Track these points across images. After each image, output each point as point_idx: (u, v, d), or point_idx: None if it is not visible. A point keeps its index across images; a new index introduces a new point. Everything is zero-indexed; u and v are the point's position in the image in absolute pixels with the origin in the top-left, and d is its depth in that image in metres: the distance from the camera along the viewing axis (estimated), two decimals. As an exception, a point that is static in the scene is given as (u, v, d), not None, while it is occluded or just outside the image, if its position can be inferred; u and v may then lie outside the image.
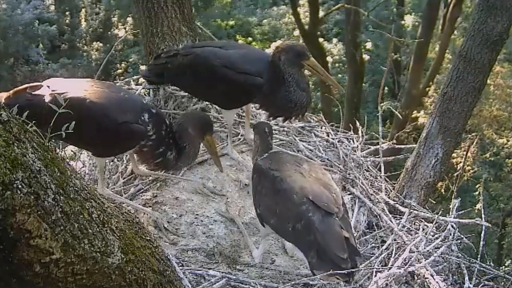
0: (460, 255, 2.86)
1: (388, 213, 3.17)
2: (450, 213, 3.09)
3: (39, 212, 1.42)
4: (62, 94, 2.49)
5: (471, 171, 7.97)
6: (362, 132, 3.88)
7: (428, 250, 2.74)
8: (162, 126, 2.79)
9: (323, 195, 2.38)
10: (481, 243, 2.89)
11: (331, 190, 2.46)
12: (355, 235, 2.63)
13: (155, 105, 2.97)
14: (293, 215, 2.37)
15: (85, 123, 2.39)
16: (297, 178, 2.46)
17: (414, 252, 2.68)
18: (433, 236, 2.90)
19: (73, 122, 1.96)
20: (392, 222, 3.05)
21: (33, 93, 2.67)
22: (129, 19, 14.37)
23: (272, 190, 2.50)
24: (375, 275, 2.44)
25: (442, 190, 5.61)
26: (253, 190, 2.70)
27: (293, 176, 2.47)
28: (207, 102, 3.74)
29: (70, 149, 3.75)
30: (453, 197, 3.36)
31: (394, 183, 3.61)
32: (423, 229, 3.02)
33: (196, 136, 2.85)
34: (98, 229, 1.66)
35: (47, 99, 2.57)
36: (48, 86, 2.69)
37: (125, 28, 14.50)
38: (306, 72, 3.15)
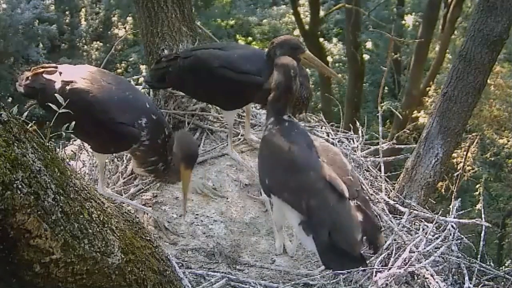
0: (460, 255, 2.86)
1: (388, 213, 3.17)
2: (450, 213, 3.09)
3: (39, 212, 1.42)
4: (69, 82, 2.68)
5: (471, 171, 7.95)
6: (362, 132, 3.88)
7: (428, 250, 2.73)
8: (160, 135, 2.70)
9: (337, 179, 2.33)
10: (481, 243, 2.88)
11: (346, 172, 2.42)
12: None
13: (158, 110, 2.85)
14: (309, 192, 2.33)
15: (84, 116, 2.47)
16: (311, 156, 2.41)
17: (414, 252, 2.68)
18: (433, 236, 2.90)
19: (73, 122, 2.02)
20: (392, 222, 3.05)
21: (47, 78, 2.78)
22: (129, 19, 14.36)
23: (285, 166, 2.44)
24: (375, 275, 2.44)
25: (442, 190, 5.60)
26: (259, 159, 2.64)
27: (308, 154, 2.41)
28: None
29: (70, 149, 3.76)
30: (453, 197, 3.35)
31: (394, 183, 3.60)
32: (423, 229, 3.02)
33: (178, 163, 2.69)
34: (98, 229, 1.66)
35: (57, 86, 2.70)
36: (61, 73, 2.79)
37: (125, 28, 14.49)
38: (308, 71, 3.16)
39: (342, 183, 2.34)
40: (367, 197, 2.41)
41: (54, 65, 2.92)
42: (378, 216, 3.14)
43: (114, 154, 3.48)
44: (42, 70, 2.85)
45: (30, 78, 2.86)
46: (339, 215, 2.26)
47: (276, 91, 2.61)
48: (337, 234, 2.23)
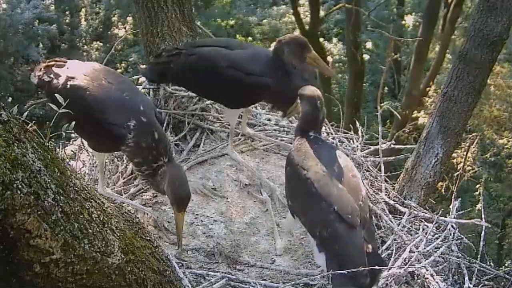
0: (460, 255, 2.86)
1: (388, 213, 3.17)
2: (450, 213, 3.09)
3: (39, 212, 1.42)
4: (72, 78, 2.75)
5: (471, 171, 7.94)
6: (362, 132, 3.87)
7: (428, 250, 2.74)
8: (146, 138, 2.64)
9: (348, 206, 2.36)
10: (481, 243, 2.88)
11: (359, 197, 2.44)
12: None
13: (152, 112, 2.79)
14: (321, 223, 2.38)
15: (81, 113, 2.50)
16: (325, 182, 2.43)
17: (414, 252, 2.68)
18: (433, 236, 2.90)
19: (73, 122, 2.04)
20: (392, 222, 3.05)
21: (55, 71, 2.86)
22: (129, 19, 14.35)
23: (302, 191, 2.50)
24: (375, 275, 2.44)
25: (442, 190, 5.59)
26: (286, 180, 2.70)
27: (322, 181, 2.43)
28: (208, 102, 3.74)
29: (70, 149, 3.76)
30: (453, 197, 3.35)
31: (394, 183, 3.60)
32: (423, 229, 3.02)
33: (169, 199, 2.68)
34: (98, 229, 1.66)
35: (61, 80, 2.78)
36: (68, 68, 2.88)
37: (125, 28, 14.49)
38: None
39: (354, 210, 2.36)
40: (372, 228, 2.44)
41: (64, 59, 2.98)
42: (378, 216, 3.15)
43: (114, 154, 3.48)
44: (53, 63, 2.94)
45: (42, 69, 2.95)
46: (346, 248, 2.32)
47: (302, 121, 2.71)
48: (345, 267, 2.27)
